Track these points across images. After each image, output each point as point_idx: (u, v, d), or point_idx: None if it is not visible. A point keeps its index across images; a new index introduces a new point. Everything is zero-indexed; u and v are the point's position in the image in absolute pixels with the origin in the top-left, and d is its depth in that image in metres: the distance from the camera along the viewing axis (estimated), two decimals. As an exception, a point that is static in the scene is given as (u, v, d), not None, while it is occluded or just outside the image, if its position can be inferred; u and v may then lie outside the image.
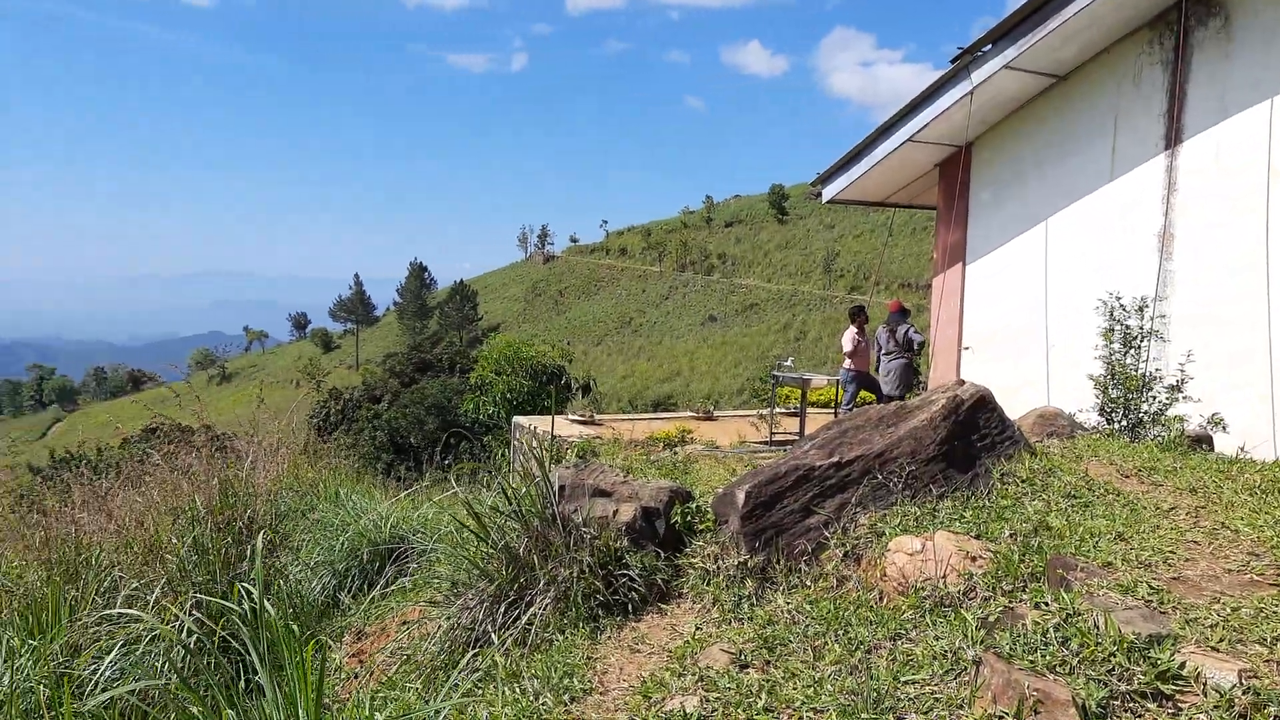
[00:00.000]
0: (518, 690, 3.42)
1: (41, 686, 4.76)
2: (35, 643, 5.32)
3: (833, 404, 15.56)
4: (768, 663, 3.39)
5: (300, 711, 2.75)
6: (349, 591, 6.76)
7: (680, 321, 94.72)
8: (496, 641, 4.04)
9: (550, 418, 13.92)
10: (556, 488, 4.81)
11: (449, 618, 4.44)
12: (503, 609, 4.28)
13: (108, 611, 5.80)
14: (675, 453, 9.24)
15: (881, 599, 3.90)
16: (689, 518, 4.81)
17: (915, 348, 12.92)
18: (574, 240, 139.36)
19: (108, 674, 5.41)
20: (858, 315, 13.68)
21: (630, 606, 4.30)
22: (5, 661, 5.10)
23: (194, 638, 5.56)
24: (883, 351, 13.15)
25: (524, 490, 4.84)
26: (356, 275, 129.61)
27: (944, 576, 3.83)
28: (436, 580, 5.15)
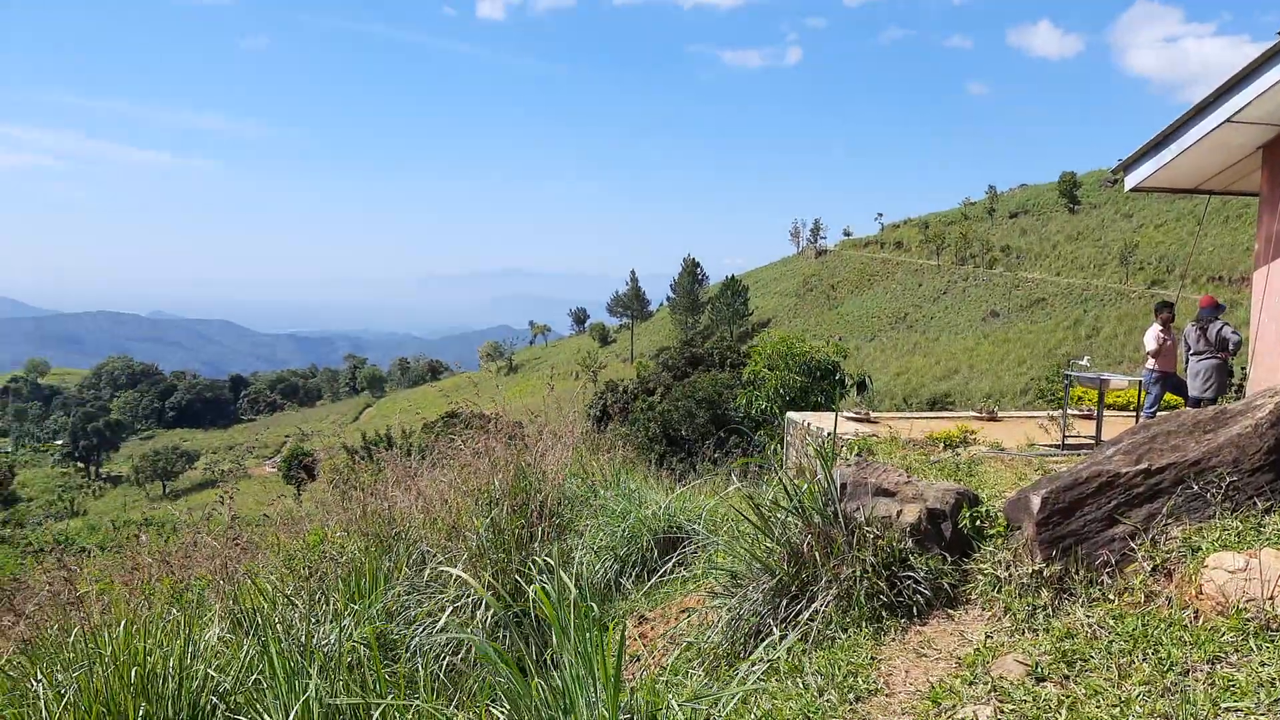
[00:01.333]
0: (800, 685, 3.43)
1: (362, 646, 5.23)
2: (356, 606, 5.87)
3: (1132, 407, 14.45)
4: (1066, 677, 3.21)
5: (597, 685, 2.89)
6: (630, 576, 6.99)
7: (959, 317, 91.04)
8: (777, 635, 4.06)
9: (823, 414, 13.80)
10: (838, 485, 4.77)
11: (730, 609, 4.50)
12: (784, 604, 4.30)
13: (420, 581, 6.32)
14: (957, 454, 8.90)
15: (1197, 618, 3.59)
16: (977, 522, 4.63)
17: (1231, 347, 11.74)
18: (847, 234, 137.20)
19: (419, 638, 5.89)
20: (1163, 311, 12.61)
21: (915, 610, 4.20)
22: (332, 621, 5.65)
23: (490, 611, 5.94)
24: (1191, 351, 12.05)
25: (805, 486, 4.83)
26: (633, 272, 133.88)
27: (1271, 598, 3.48)
28: (716, 571, 5.24)
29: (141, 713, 4.66)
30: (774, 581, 4.39)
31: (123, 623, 5.01)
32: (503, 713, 3.09)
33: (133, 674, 4.78)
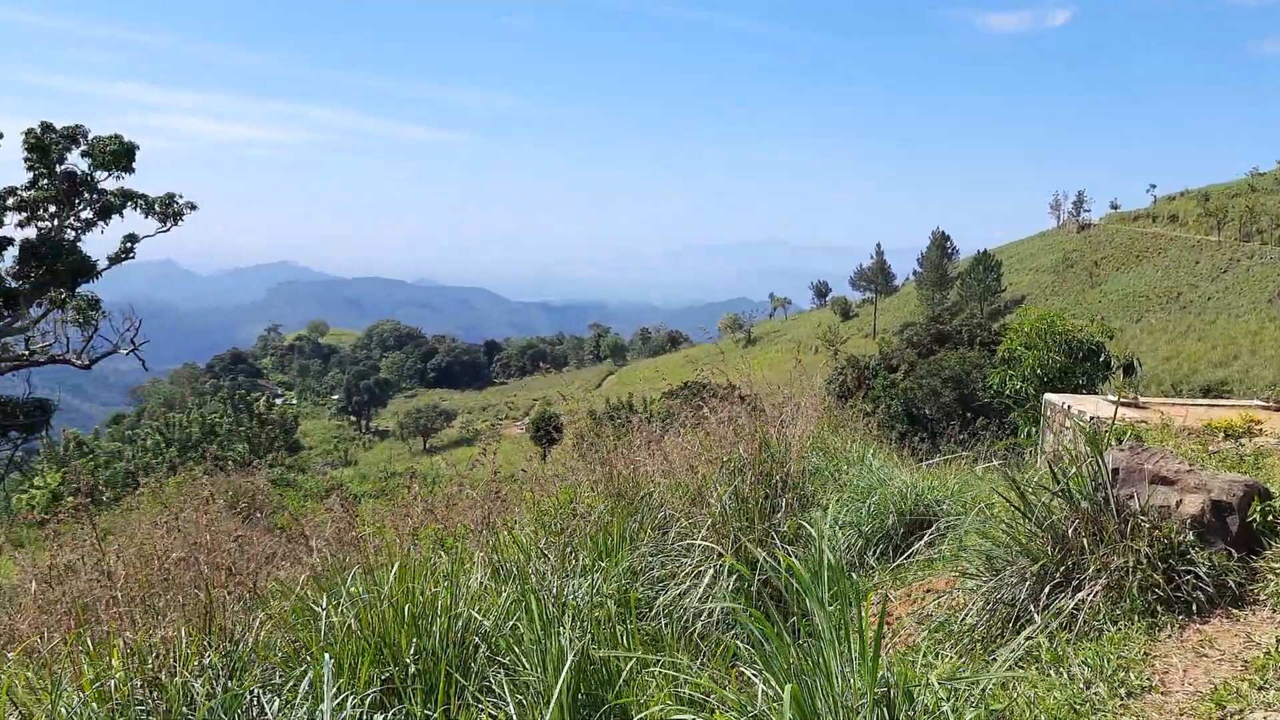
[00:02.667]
0: (1065, 676, 3.26)
1: (611, 602, 5.42)
2: (604, 564, 6.08)
3: None
4: (1376, 693, 2.89)
5: (854, 657, 2.87)
6: (874, 553, 6.88)
7: (1241, 298, 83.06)
8: (1039, 622, 3.88)
9: (1085, 397, 12.99)
10: (1109, 470, 4.48)
11: (984, 592, 4.34)
12: (1045, 590, 4.10)
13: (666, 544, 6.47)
14: (1240, 444, 8.16)
15: None
16: (1269, 517, 4.23)
17: None
18: (1114, 207, 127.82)
19: (662, 599, 6.04)
20: None
21: (1194, 607, 3.89)
22: (582, 576, 5.88)
23: (733, 577, 6.01)
24: None
25: (1073, 470, 4.57)
26: (878, 245, 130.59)
27: None
28: (968, 553, 5.06)
29: (414, 647, 5.04)
30: (1035, 567, 4.18)
31: (396, 563, 5.41)
32: (755, 674, 3.13)
33: (406, 610, 5.17)
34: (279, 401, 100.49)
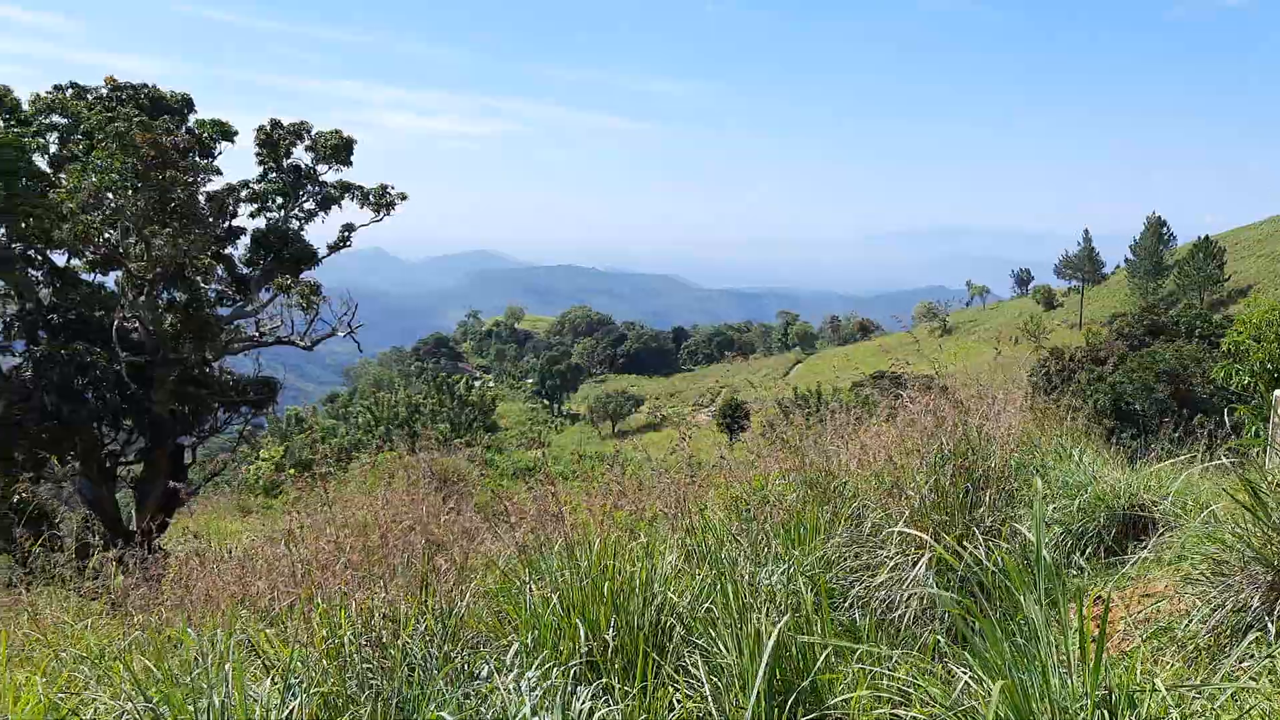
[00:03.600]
0: (1306, 692, 3.04)
1: (807, 589, 5.40)
2: (796, 552, 6.07)
3: None
4: None
5: (1070, 657, 2.77)
6: (1083, 554, 6.59)
7: None
8: (1274, 633, 3.62)
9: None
10: (1359, 474, 4.12)
11: (1210, 600, 4.09)
12: (1281, 599, 3.83)
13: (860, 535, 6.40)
14: None
15: None
16: None
17: None
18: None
19: (856, 589, 5.98)
20: None
21: None
22: (774, 563, 5.88)
23: (933, 571, 5.87)
24: None
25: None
26: (1086, 231, 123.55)
27: None
28: (1192, 557, 4.77)
29: (612, 623, 5.19)
30: (1270, 574, 3.91)
31: (597, 541, 5.58)
32: (964, 669, 3.06)
33: (605, 588, 5.33)
34: (478, 384, 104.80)
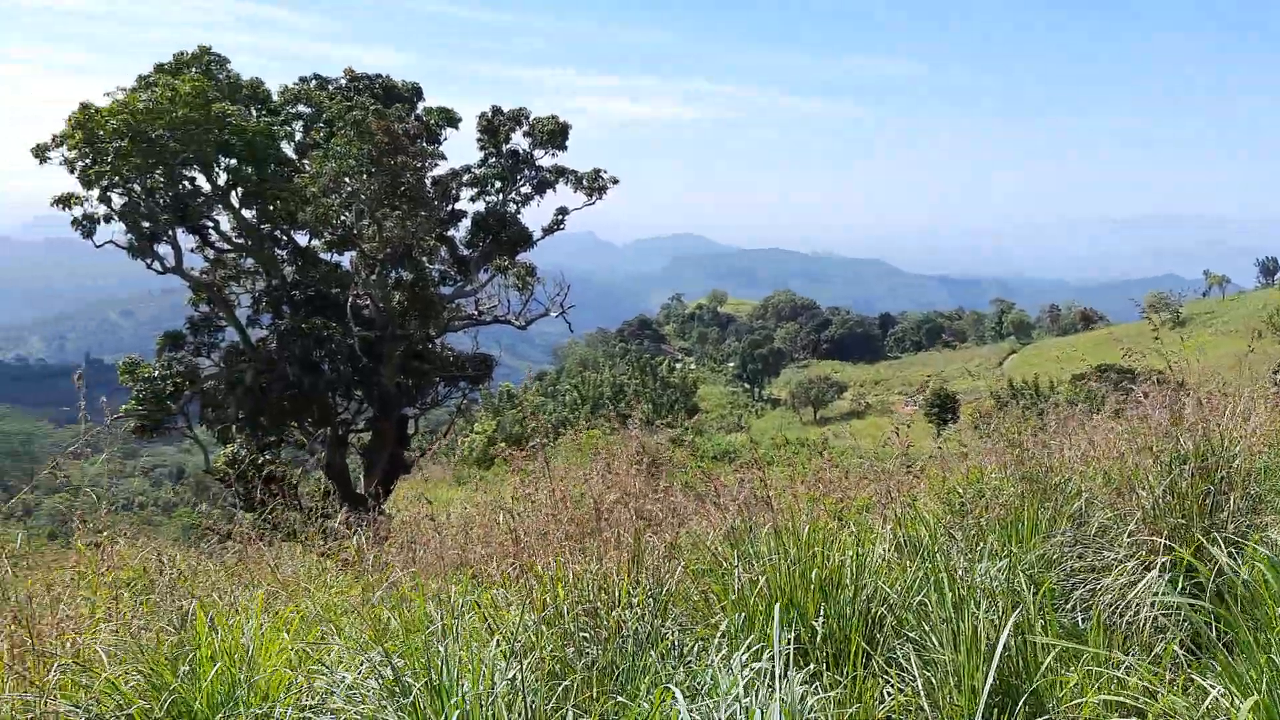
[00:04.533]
0: None
1: (1027, 589, 5.19)
2: (1014, 549, 5.83)
3: None
4: None
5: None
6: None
7: None
8: None
9: None
10: None
11: None
12: None
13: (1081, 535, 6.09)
14: None
15: None
16: None
17: None
18: None
19: (1082, 590, 5.70)
20: None
21: None
22: (990, 560, 5.68)
23: (1167, 577, 5.53)
24: None
25: None
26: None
27: None
28: None
29: (821, 610, 5.15)
30: None
31: (806, 528, 5.55)
32: (1209, 682, 2.86)
33: (813, 575, 5.30)
34: (679, 366, 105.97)
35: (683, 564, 5.61)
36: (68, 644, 4.66)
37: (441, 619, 4.58)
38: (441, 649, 4.14)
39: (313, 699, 4.43)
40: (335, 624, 5.75)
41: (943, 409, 62.52)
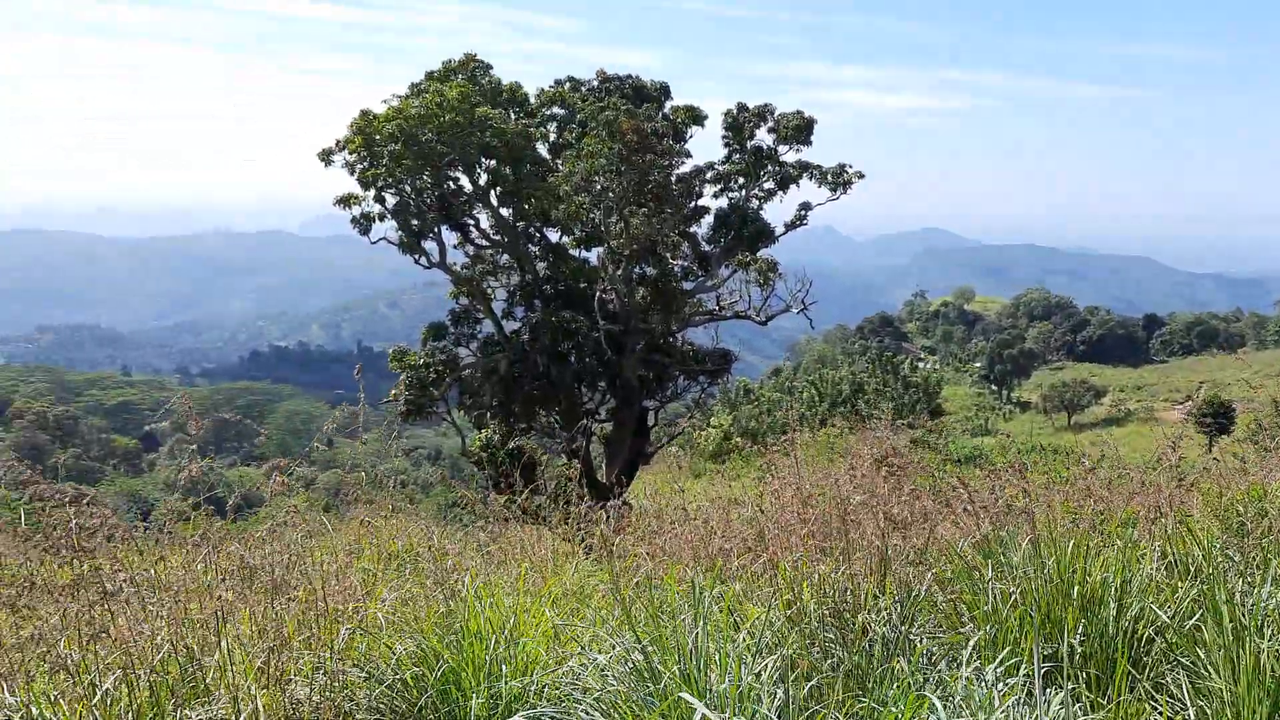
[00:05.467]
0: None
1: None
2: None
3: None
4: None
5: None
6: None
7: None
8: None
9: None
10: None
11: None
12: None
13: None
14: None
15: None
16: None
17: None
18: None
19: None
20: None
21: None
22: (1274, 586, 5.21)
23: None
24: None
25: None
26: None
27: None
28: None
29: (1080, 628, 4.91)
30: None
31: (1070, 542, 5.30)
32: None
33: (1074, 591, 5.06)
34: (922, 365, 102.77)
35: (933, 571, 5.49)
36: (352, 610, 5.13)
37: (690, 609, 4.70)
38: (690, 639, 4.26)
39: (567, 676, 4.66)
40: (583, 606, 6.02)
41: (1216, 419, 57.46)
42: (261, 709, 4.16)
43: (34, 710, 4.18)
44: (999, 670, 4.42)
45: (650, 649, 4.33)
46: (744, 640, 4.52)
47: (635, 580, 6.06)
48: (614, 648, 4.48)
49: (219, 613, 4.41)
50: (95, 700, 4.04)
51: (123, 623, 4.26)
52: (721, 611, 4.97)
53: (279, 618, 4.83)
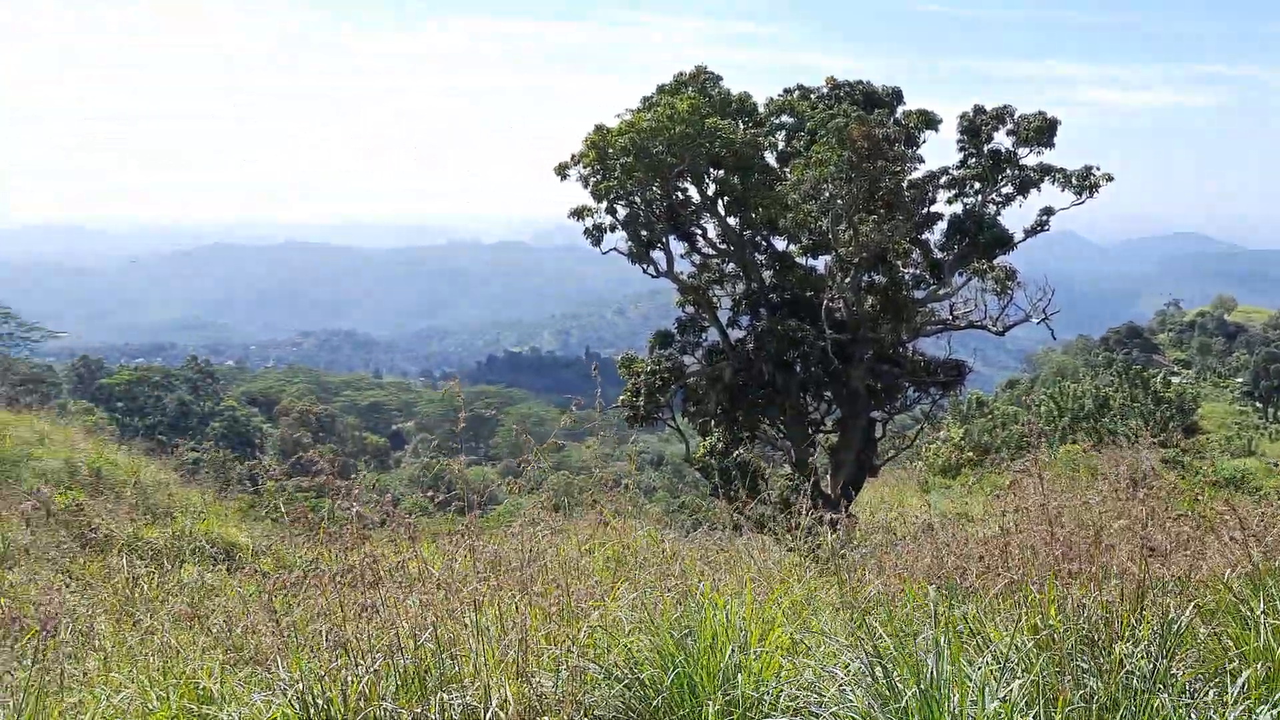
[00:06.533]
0: None
1: None
2: None
3: None
4: None
5: None
6: None
7: None
8: None
9: None
10: None
11: None
12: None
13: None
14: None
15: None
16: None
17: None
18: None
19: None
20: None
21: None
22: None
23: None
24: None
25: None
26: None
27: None
28: None
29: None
30: None
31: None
32: None
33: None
34: (1176, 380, 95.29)
35: (1195, 602, 5.11)
36: (593, 609, 5.31)
37: (928, 628, 4.59)
38: (931, 658, 4.16)
39: (802, 688, 4.65)
40: (813, 618, 5.98)
41: None
42: (511, 698, 4.39)
43: (303, 686, 4.58)
44: (1274, 712, 4.09)
45: (889, 666, 4.26)
46: (988, 663, 4.37)
47: (866, 594, 5.97)
48: (851, 662, 4.44)
49: (474, 603, 4.69)
50: (365, 679, 4.39)
51: (389, 607, 4.62)
52: (962, 631, 4.83)
53: (522, 611, 5.07)
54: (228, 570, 10.90)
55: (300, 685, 4.56)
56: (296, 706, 4.54)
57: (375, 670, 4.48)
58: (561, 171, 25.11)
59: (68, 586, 7.89)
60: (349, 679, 4.55)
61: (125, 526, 13.03)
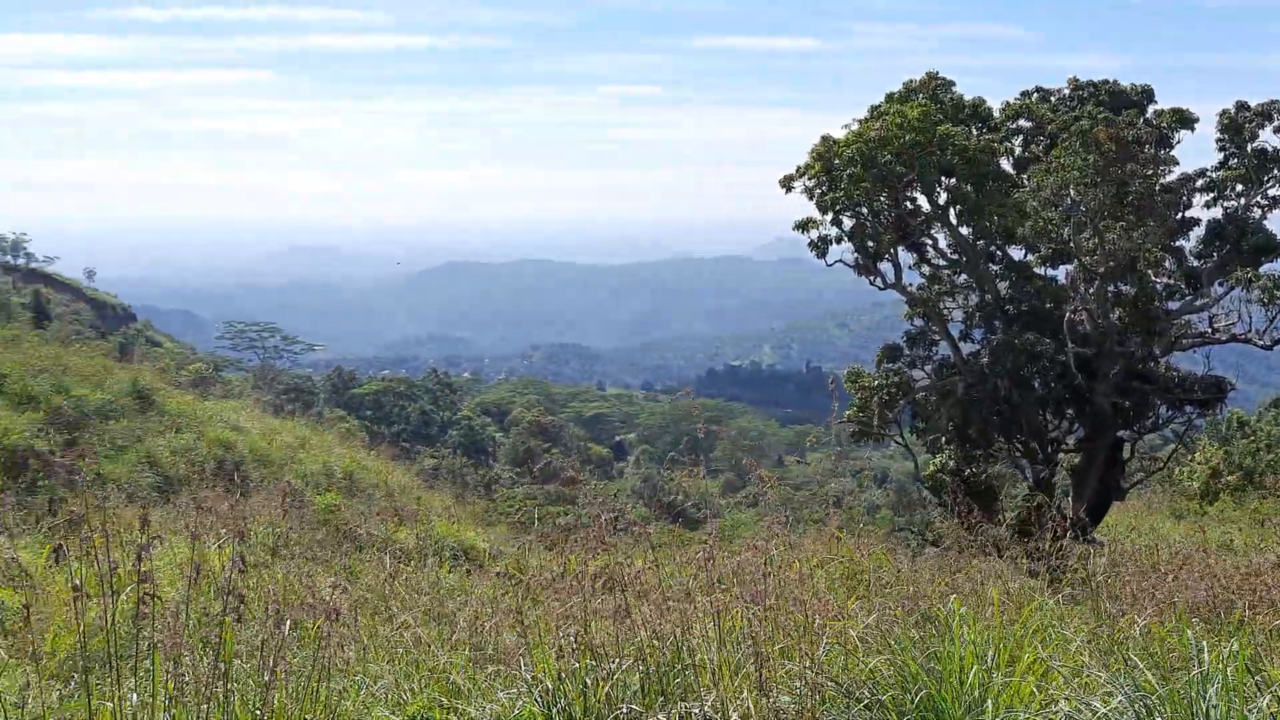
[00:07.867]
0: None
1: None
2: None
3: None
4: None
5: None
6: None
7: None
8: None
9: None
10: None
11: None
12: None
13: None
14: None
15: None
16: None
17: None
18: None
19: None
20: None
21: None
22: None
23: None
24: None
25: None
26: None
27: None
28: None
29: None
30: None
31: None
32: None
33: None
34: None
35: None
36: (829, 627, 5.26)
37: (1196, 663, 4.28)
38: (1204, 697, 3.88)
39: (1053, 718, 4.43)
40: (1060, 648, 5.67)
41: None
42: (753, 711, 4.41)
43: (549, 686, 4.77)
44: None
45: (1153, 702, 4.00)
46: (1267, 705, 4.03)
47: (1127, 628, 5.62)
48: (1112, 695, 4.19)
49: (714, 614, 4.75)
50: (610, 683, 4.53)
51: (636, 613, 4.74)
52: (1235, 670, 4.47)
53: (756, 625, 5.08)
54: (466, 572, 11.51)
55: (546, 684, 4.76)
56: (540, 705, 4.73)
57: (618, 675, 4.62)
58: (787, 184, 25.01)
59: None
60: (590, 681, 4.70)
61: (379, 528, 13.99)
